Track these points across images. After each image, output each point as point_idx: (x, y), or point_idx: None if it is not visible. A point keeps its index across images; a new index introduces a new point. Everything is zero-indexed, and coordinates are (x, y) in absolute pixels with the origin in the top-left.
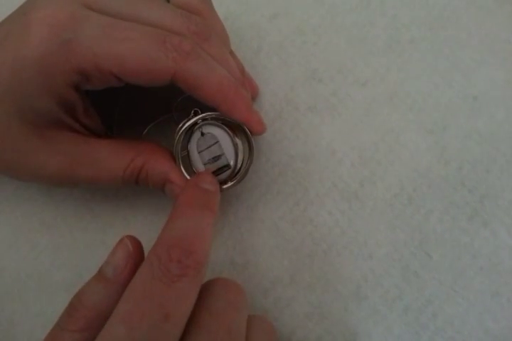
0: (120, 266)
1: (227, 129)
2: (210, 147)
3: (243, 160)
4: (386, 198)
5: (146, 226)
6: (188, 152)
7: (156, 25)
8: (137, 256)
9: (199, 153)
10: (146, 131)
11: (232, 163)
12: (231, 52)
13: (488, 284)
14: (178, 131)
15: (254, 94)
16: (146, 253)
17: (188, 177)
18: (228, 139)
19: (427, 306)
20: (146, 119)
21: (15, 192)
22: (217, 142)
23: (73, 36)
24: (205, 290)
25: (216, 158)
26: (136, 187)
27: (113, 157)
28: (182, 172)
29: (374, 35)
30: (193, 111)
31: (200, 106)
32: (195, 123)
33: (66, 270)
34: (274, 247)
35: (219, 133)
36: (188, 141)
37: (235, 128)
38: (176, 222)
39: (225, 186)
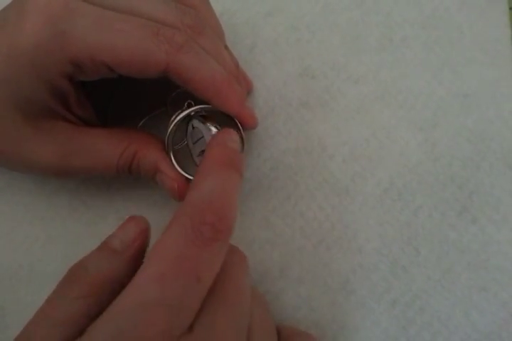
0: (130, 239)
1: (209, 125)
2: (198, 140)
3: None
4: (376, 193)
5: None
6: (186, 143)
7: (150, 18)
8: (146, 235)
9: (193, 144)
10: (140, 124)
11: None
12: (226, 48)
13: (475, 280)
14: (171, 123)
15: (248, 90)
16: None
17: (178, 168)
18: (209, 134)
19: (414, 300)
20: (141, 113)
21: (9, 183)
22: (202, 137)
23: (67, 27)
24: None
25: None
26: (129, 180)
27: (106, 146)
28: (172, 162)
29: (367, 33)
30: (186, 103)
31: (195, 100)
32: (188, 115)
33: (58, 261)
34: (264, 241)
35: (203, 128)
36: (186, 133)
37: (228, 122)
38: (205, 181)
39: None
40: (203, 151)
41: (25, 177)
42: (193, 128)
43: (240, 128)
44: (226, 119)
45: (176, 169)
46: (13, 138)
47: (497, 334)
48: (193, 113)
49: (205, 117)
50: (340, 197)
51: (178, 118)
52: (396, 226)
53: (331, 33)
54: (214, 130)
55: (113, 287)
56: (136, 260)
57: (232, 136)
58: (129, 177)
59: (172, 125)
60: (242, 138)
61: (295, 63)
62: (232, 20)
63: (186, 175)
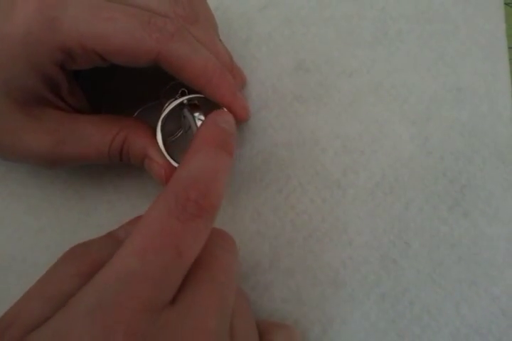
0: None
1: (198, 115)
2: (188, 130)
3: None
4: (368, 187)
5: (130, 210)
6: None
7: (142, 7)
8: None
9: (185, 133)
10: (134, 115)
11: None
12: (220, 41)
13: (466, 274)
14: (163, 110)
15: (241, 83)
16: None
17: (166, 155)
18: (196, 124)
19: (404, 294)
20: (135, 105)
21: (1, 173)
22: (190, 127)
23: (58, 14)
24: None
25: None
26: (122, 170)
27: (98, 132)
28: (161, 149)
29: (362, 27)
30: (180, 91)
31: (190, 90)
32: (181, 104)
33: (50, 251)
34: (255, 233)
35: (190, 118)
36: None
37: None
38: (193, 160)
39: None
40: None
41: (19, 167)
42: (184, 117)
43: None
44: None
45: (164, 156)
46: (6, 126)
47: (487, 328)
48: (185, 101)
49: (195, 107)
50: (332, 190)
51: (171, 105)
52: (387, 219)
53: (325, 27)
54: (202, 119)
55: None
56: None
57: (224, 116)
58: (121, 168)
59: (164, 112)
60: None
61: (289, 57)
62: (227, 14)
63: (173, 163)
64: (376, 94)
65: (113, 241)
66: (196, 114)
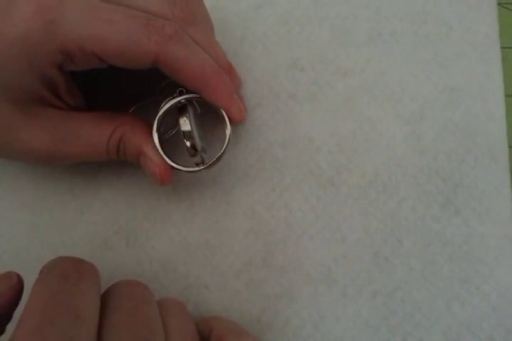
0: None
1: (184, 120)
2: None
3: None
4: (361, 185)
5: (124, 207)
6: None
7: (140, 9)
8: (19, 289)
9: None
10: (130, 112)
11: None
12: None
13: (457, 271)
14: (160, 109)
15: (238, 84)
16: None
17: (162, 153)
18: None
19: (396, 291)
20: (131, 102)
21: None
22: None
23: (57, 16)
24: (113, 292)
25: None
26: (116, 168)
27: (95, 130)
28: (157, 147)
29: (356, 27)
30: (178, 91)
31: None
32: (178, 103)
33: (43, 248)
34: (248, 230)
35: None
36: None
37: (217, 113)
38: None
39: (195, 169)
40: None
41: (13, 163)
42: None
43: (227, 120)
44: (215, 110)
45: (160, 154)
46: (3, 125)
47: (478, 325)
48: (183, 100)
49: (183, 110)
50: (326, 188)
51: (167, 105)
52: (380, 217)
53: (320, 27)
54: (183, 125)
55: None
56: None
57: None
58: (116, 166)
59: (161, 111)
60: (227, 130)
61: (284, 56)
62: (222, 13)
63: (169, 161)
64: (370, 94)
65: None
66: (183, 119)
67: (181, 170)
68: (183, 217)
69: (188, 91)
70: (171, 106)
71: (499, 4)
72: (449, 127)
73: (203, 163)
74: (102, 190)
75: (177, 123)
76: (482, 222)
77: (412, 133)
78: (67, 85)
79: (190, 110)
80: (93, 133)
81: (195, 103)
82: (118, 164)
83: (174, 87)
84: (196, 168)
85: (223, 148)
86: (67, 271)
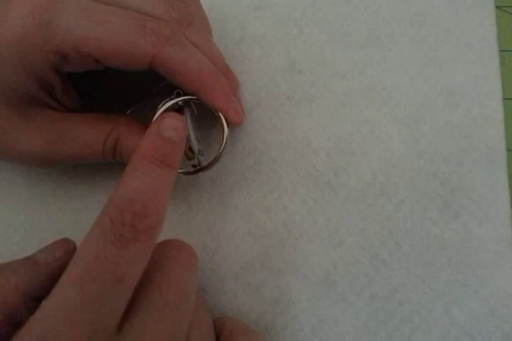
0: (55, 255)
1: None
2: None
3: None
4: (359, 188)
5: None
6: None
7: (137, 10)
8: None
9: None
10: (127, 113)
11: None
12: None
13: (456, 275)
14: (157, 110)
15: (236, 86)
16: None
17: None
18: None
19: (394, 295)
20: (128, 103)
21: None
22: None
23: (53, 18)
24: (159, 251)
25: None
26: (113, 170)
27: (91, 132)
28: None
29: (354, 29)
30: (175, 92)
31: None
32: (175, 104)
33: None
34: (246, 233)
35: None
36: None
37: (214, 115)
38: (130, 178)
39: (192, 171)
40: None
41: (10, 165)
42: None
43: (224, 122)
44: (212, 112)
45: None
46: None
47: (476, 329)
48: (180, 102)
49: (178, 112)
50: (323, 191)
51: (164, 106)
52: (378, 220)
53: (318, 29)
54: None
55: (25, 299)
56: (55, 277)
57: (169, 123)
58: (112, 168)
59: (158, 113)
60: (224, 133)
61: (282, 58)
62: (220, 14)
63: None
64: (368, 96)
65: (31, 264)
66: None
67: (178, 172)
68: (180, 220)
69: (185, 93)
70: (168, 108)
71: (497, 7)
72: (447, 130)
73: (200, 165)
74: (98, 191)
75: None
76: (480, 225)
77: (410, 135)
78: (63, 86)
79: (188, 112)
80: (89, 134)
81: (193, 105)
82: (115, 165)
83: (171, 89)
84: (193, 170)
85: (220, 150)
86: (125, 225)
